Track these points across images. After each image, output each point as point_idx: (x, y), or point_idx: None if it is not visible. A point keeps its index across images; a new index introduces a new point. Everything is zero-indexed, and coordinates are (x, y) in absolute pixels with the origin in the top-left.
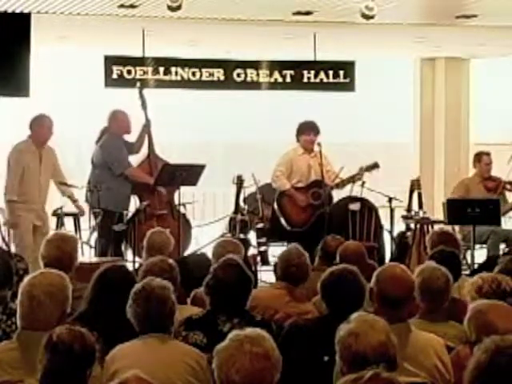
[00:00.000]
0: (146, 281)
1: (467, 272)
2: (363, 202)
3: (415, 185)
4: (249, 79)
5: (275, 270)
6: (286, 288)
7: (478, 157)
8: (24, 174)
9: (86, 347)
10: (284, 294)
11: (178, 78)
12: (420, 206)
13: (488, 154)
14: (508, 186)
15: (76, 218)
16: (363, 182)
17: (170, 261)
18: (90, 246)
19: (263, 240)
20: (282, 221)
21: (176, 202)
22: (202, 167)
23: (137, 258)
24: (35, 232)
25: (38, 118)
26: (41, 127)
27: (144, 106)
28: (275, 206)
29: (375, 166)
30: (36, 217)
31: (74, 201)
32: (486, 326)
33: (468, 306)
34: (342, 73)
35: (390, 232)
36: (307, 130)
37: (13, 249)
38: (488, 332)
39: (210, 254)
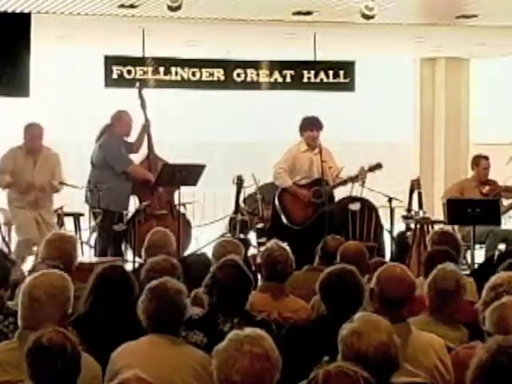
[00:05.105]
0: (162, 280)
1: (467, 272)
2: (363, 202)
3: (415, 185)
4: (249, 79)
5: (259, 270)
6: (274, 288)
7: (476, 160)
8: (13, 176)
9: (74, 346)
10: (269, 296)
11: (178, 77)
12: (420, 205)
13: (487, 158)
14: (503, 193)
15: (76, 218)
16: (363, 182)
17: (174, 260)
18: (90, 246)
19: (263, 240)
20: (283, 218)
21: (176, 201)
22: (201, 167)
23: (137, 258)
24: (39, 226)
25: (28, 129)
26: (29, 137)
27: (143, 105)
28: (276, 202)
29: (378, 166)
30: (35, 211)
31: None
32: (499, 321)
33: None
34: (341, 73)
35: (390, 232)
36: (310, 126)
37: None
38: (500, 327)
39: (210, 254)
